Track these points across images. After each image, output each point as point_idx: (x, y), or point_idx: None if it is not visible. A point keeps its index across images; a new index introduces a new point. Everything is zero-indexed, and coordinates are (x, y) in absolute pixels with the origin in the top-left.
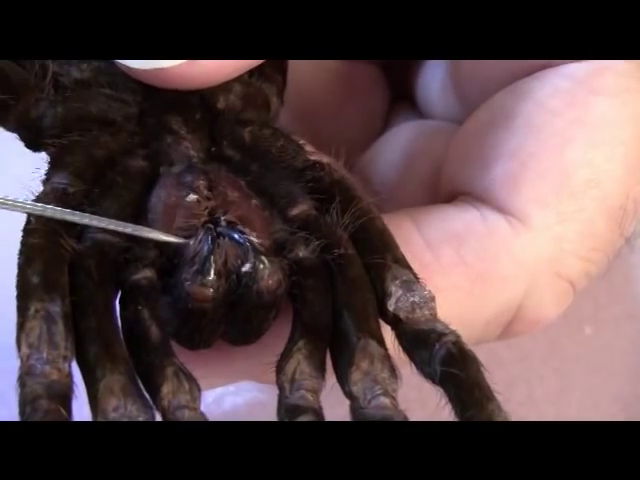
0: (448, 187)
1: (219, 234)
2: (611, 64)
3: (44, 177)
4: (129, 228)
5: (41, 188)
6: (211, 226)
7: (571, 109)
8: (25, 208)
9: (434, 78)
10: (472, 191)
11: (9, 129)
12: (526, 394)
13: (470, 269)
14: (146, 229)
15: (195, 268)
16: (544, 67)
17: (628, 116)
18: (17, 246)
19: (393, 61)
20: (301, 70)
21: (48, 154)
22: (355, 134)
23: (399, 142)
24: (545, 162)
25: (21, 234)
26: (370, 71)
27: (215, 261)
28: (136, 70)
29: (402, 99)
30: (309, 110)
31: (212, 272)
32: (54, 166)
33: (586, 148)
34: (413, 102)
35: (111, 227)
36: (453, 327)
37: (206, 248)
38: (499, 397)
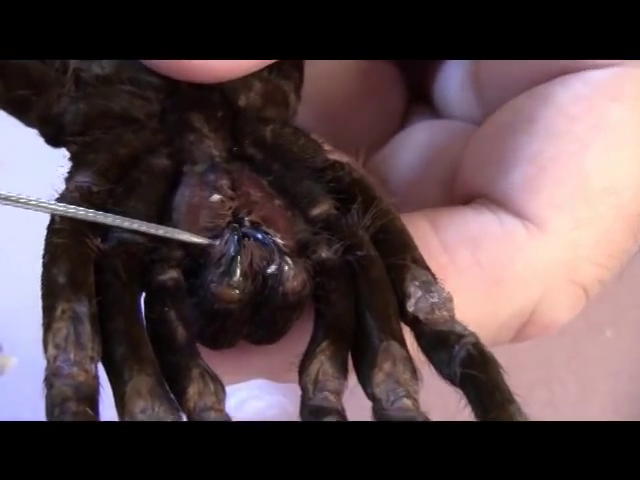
0: (465, 189)
1: (244, 235)
2: (630, 71)
3: (67, 175)
4: (160, 230)
5: (63, 186)
6: (237, 226)
7: (590, 115)
8: (52, 209)
9: (452, 78)
10: (489, 194)
11: (29, 125)
12: (547, 397)
13: (486, 272)
14: (175, 230)
15: (222, 269)
16: (564, 72)
17: None
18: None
19: (411, 60)
20: (319, 67)
21: (69, 151)
22: (371, 133)
23: (416, 141)
24: (563, 168)
25: (45, 233)
26: (388, 70)
27: (241, 262)
28: (156, 62)
29: (419, 99)
30: (326, 107)
31: (238, 273)
32: (77, 164)
33: (604, 155)
34: (430, 103)
35: (141, 228)
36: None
37: (232, 249)
38: (518, 399)
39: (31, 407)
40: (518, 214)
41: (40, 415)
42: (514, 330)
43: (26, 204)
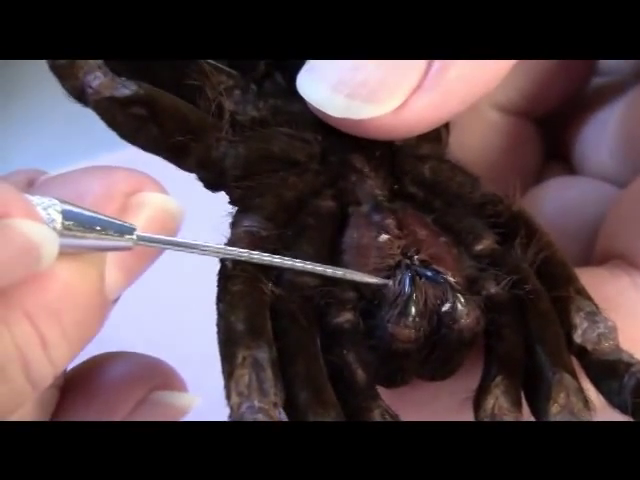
0: (604, 247)
1: (416, 273)
2: None
3: (233, 220)
4: (336, 271)
5: (229, 231)
6: (410, 264)
7: None
8: (231, 254)
9: (590, 137)
10: (626, 255)
11: (188, 170)
12: None
13: (620, 334)
14: (349, 271)
15: (398, 309)
16: None
17: None
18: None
19: (549, 118)
20: (461, 118)
21: (231, 195)
22: (506, 188)
23: (552, 195)
24: None
25: (218, 280)
26: (526, 127)
27: (417, 302)
28: (333, 118)
29: (556, 159)
30: (463, 157)
31: (414, 313)
32: (243, 208)
33: None
34: (567, 162)
35: (317, 270)
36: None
37: (407, 289)
38: None
39: None
40: None
41: None
42: None
43: (203, 250)
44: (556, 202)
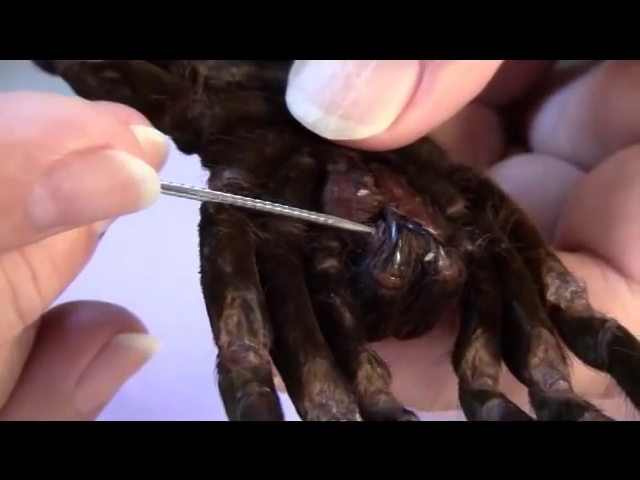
0: (569, 237)
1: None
2: None
3: (211, 174)
4: (325, 219)
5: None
6: (396, 211)
7: None
8: (222, 199)
9: (549, 121)
10: (594, 249)
11: (162, 131)
12: None
13: None
14: (337, 218)
15: (384, 256)
16: None
17: None
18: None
19: (509, 104)
20: None
21: (205, 156)
22: None
23: (513, 172)
24: None
25: (200, 227)
26: (486, 114)
27: (402, 249)
28: (332, 139)
29: (516, 143)
30: None
31: (400, 260)
32: (223, 163)
33: None
34: (526, 147)
35: (307, 217)
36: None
37: (394, 235)
38: None
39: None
40: (621, 272)
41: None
42: (604, 386)
43: (192, 194)
44: (517, 179)
